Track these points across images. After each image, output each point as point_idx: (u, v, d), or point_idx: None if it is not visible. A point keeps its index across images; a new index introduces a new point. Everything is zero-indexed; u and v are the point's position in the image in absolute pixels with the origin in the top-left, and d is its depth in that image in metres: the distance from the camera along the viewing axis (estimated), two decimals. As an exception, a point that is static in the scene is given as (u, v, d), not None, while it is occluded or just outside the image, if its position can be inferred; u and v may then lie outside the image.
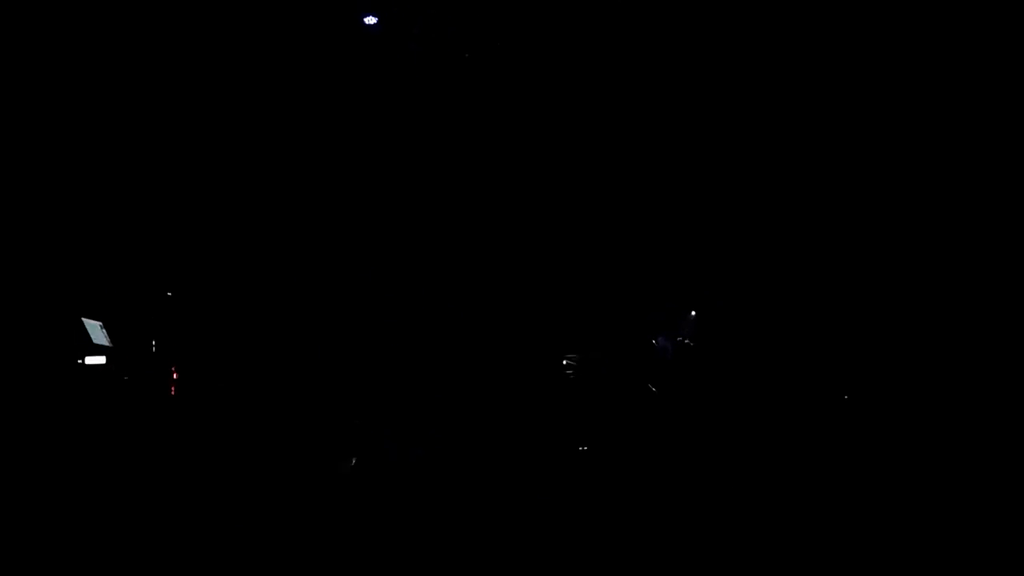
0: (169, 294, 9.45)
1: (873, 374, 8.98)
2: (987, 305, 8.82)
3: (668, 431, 9.15)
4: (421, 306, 9.65)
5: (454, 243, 9.85)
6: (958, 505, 7.03)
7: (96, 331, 8.94)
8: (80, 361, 8.63)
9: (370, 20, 8.69)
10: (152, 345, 9.08)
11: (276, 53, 9.16)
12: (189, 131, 9.36)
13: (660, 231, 9.88)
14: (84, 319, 8.88)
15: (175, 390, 8.89)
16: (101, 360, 8.75)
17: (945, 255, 9.06)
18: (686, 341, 9.72)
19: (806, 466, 8.26)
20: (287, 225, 9.60)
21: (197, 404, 8.65)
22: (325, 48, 9.13)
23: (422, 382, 9.27)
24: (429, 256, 9.85)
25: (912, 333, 9.02)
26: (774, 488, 7.99)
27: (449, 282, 9.78)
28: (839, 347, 9.21)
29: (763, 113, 9.40)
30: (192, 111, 9.29)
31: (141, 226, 9.65)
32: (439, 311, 9.66)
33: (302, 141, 9.52)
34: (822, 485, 8.18)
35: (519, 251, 9.76)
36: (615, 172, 9.74)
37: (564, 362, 9.37)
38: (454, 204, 9.89)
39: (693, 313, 9.87)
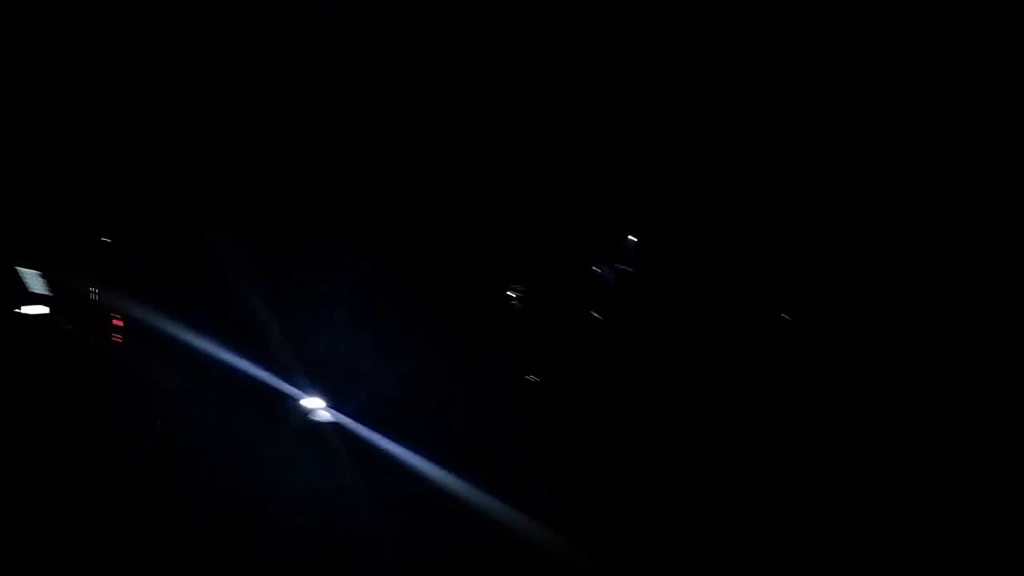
0: (107, 240, 9.29)
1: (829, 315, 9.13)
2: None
3: (613, 359, 9.32)
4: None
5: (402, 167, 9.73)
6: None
7: (34, 280, 8.81)
8: (17, 310, 8.53)
9: None
10: (93, 293, 8.96)
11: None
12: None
13: (600, 160, 9.89)
14: (20, 268, 8.74)
15: (119, 338, 8.82)
16: (43, 310, 8.65)
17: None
18: (628, 268, 9.83)
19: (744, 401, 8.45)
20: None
21: (141, 354, 8.58)
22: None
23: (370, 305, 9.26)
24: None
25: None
26: (715, 422, 8.19)
27: (393, 205, 9.67)
28: (784, 271, 9.34)
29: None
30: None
31: (79, 173, 9.39)
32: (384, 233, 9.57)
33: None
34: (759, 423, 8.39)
35: (464, 179, 9.70)
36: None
37: (510, 293, 9.45)
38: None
39: (633, 239, 9.95)
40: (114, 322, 8.87)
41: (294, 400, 8.39)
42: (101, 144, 9.28)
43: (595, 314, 9.65)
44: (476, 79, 9.50)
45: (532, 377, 9.25)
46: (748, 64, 9.24)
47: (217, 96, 9.25)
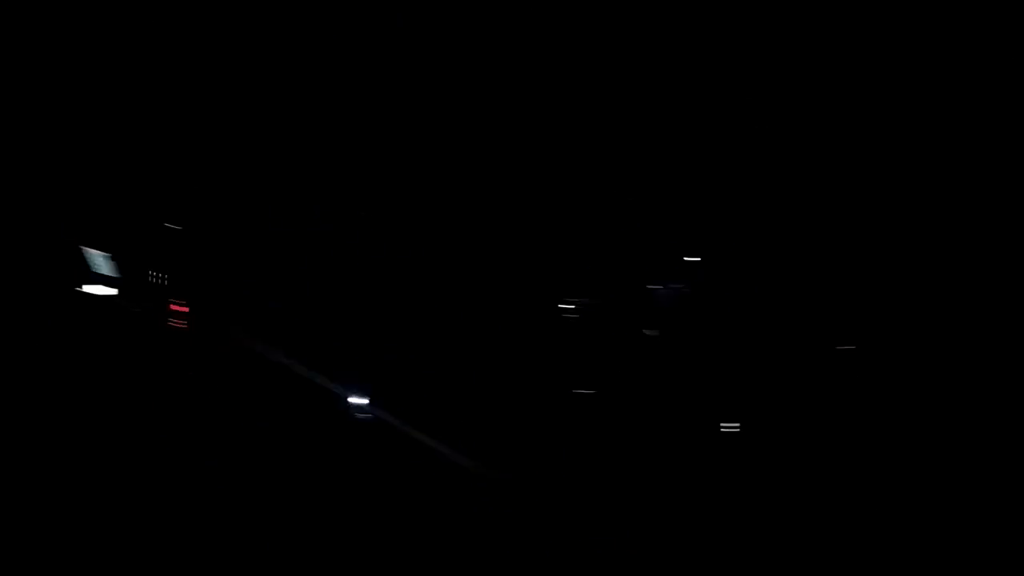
0: (179, 228, 9.52)
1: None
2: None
3: (662, 377, 9.29)
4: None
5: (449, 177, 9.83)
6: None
7: (99, 261, 9.06)
8: (79, 288, 8.76)
9: None
10: (162, 279, 9.21)
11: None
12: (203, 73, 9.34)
13: (661, 177, 9.88)
14: (85, 248, 8.99)
15: (183, 324, 9.07)
16: (110, 292, 8.93)
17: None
18: (683, 289, 9.79)
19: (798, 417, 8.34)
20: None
21: (206, 341, 8.80)
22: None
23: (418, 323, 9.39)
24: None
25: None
26: (766, 439, 8.10)
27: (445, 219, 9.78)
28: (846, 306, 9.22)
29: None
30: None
31: (152, 156, 9.57)
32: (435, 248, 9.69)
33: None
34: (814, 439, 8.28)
35: (516, 193, 9.77)
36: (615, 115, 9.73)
37: (560, 306, 9.49)
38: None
39: (693, 260, 9.90)
40: (179, 308, 9.10)
41: (340, 398, 8.58)
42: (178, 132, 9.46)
43: (647, 332, 9.64)
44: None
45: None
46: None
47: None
